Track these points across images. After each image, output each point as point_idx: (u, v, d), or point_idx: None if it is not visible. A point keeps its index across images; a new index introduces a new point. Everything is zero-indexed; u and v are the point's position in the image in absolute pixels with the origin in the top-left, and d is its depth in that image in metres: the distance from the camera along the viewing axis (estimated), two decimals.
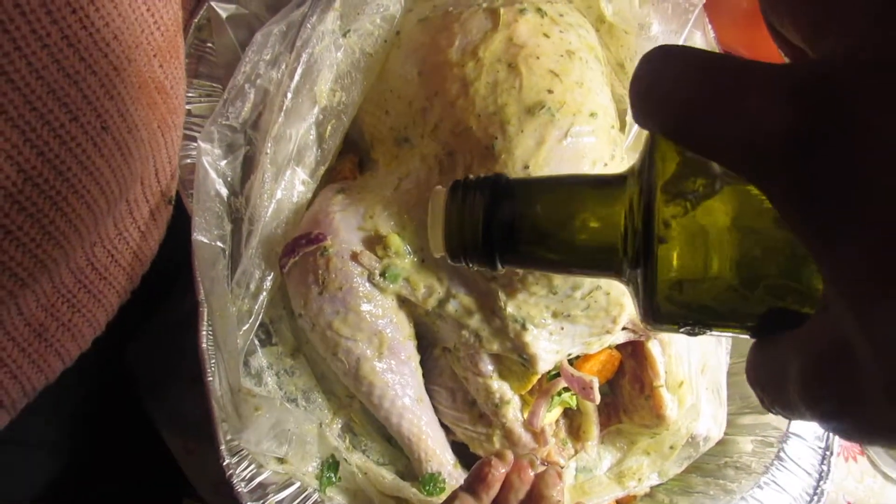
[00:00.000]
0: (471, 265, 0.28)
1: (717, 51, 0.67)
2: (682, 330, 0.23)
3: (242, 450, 0.50)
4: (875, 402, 0.16)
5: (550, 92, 0.49)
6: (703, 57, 0.19)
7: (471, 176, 0.28)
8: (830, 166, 0.16)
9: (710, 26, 0.66)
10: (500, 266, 0.27)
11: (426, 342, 0.57)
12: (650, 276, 0.22)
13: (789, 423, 0.57)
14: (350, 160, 0.60)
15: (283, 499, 0.50)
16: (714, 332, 0.23)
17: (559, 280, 0.49)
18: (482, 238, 0.26)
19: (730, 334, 0.25)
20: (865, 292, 0.16)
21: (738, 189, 0.21)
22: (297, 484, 0.51)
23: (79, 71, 0.36)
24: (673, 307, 0.22)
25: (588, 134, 0.49)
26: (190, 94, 0.59)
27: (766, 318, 0.21)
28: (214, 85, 0.60)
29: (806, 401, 0.18)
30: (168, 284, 0.61)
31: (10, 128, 0.33)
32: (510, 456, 0.50)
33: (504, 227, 0.26)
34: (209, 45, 0.61)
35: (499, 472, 0.48)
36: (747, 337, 0.22)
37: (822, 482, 0.57)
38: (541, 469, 0.50)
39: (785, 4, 0.19)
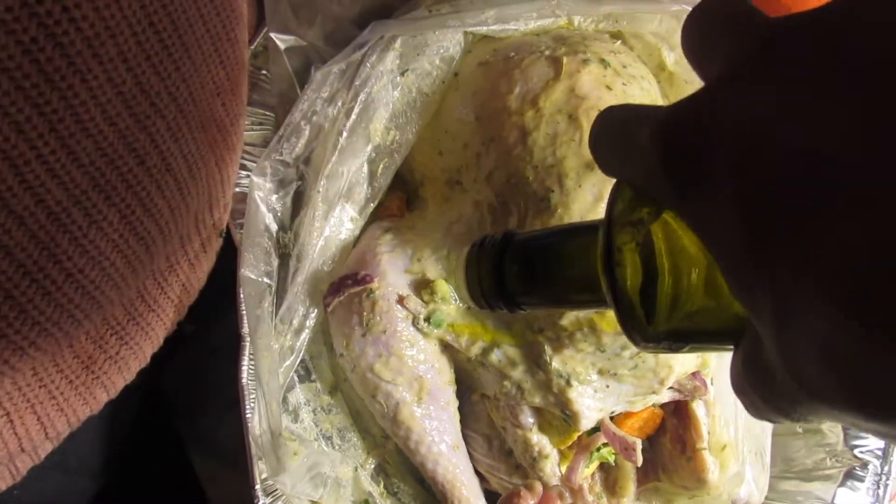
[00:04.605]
0: (493, 310, 0.33)
1: None
2: (661, 346, 0.26)
3: (276, 490, 0.49)
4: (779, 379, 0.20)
5: None
6: (615, 114, 0.24)
7: (486, 236, 0.33)
8: (691, 179, 0.20)
9: None
10: (515, 310, 0.32)
11: (465, 387, 0.56)
12: (615, 299, 0.25)
13: (834, 495, 0.56)
14: (398, 197, 0.59)
15: None
16: (688, 349, 0.26)
17: (608, 339, 0.48)
18: (496, 287, 0.31)
19: (707, 348, 0.30)
20: (737, 258, 0.19)
21: (668, 214, 0.24)
22: None
23: (149, 116, 0.36)
24: (641, 326, 0.25)
25: None
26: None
27: (721, 332, 0.24)
28: (267, 113, 0.60)
29: (744, 397, 0.22)
30: (207, 309, 0.61)
31: (82, 174, 0.33)
32: (539, 487, 0.50)
33: (511, 277, 0.31)
34: (263, 72, 0.61)
35: (527, 503, 0.48)
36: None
37: None
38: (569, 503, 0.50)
39: (687, 52, 0.24)
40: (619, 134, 0.23)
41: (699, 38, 0.23)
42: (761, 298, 0.18)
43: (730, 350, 0.24)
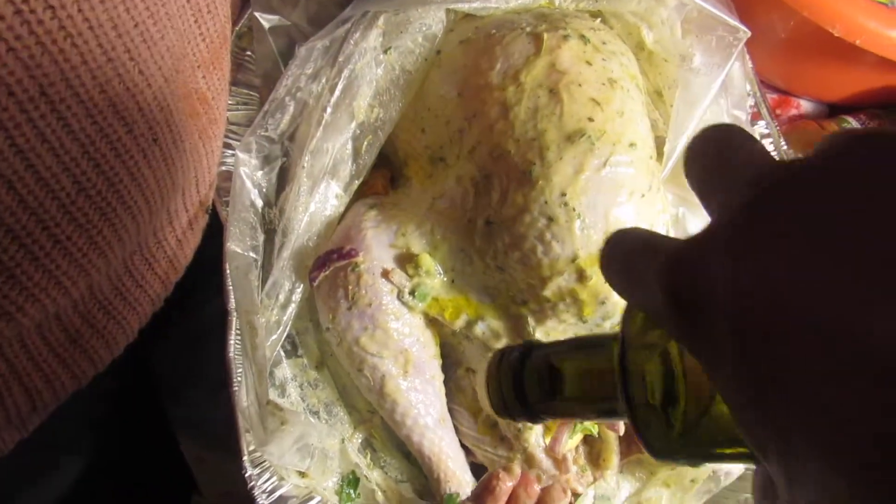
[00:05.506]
0: (516, 420, 0.32)
1: (754, 82, 0.67)
2: (679, 461, 0.26)
3: (264, 461, 0.50)
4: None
5: (591, 120, 0.49)
6: (624, 241, 0.24)
7: (509, 345, 0.33)
8: (695, 324, 0.20)
9: (748, 57, 0.66)
10: (537, 420, 0.32)
11: (450, 361, 0.57)
12: (632, 416, 0.25)
13: None
14: (382, 175, 0.60)
15: None
16: (712, 463, 0.26)
17: (590, 309, 0.49)
18: (517, 399, 0.31)
19: (729, 464, 0.28)
20: (743, 403, 0.19)
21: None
22: (318, 498, 0.51)
23: (137, 84, 0.37)
24: (659, 443, 0.25)
25: (627, 164, 0.49)
26: (228, 102, 0.59)
27: (740, 454, 0.24)
28: (252, 93, 0.61)
29: None
30: (194, 289, 0.62)
31: (72, 141, 0.33)
32: (517, 470, 0.51)
33: (531, 389, 0.31)
34: (248, 53, 0.61)
35: (506, 485, 0.49)
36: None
37: None
38: (547, 484, 0.51)
39: (688, 177, 0.24)
40: (626, 263, 0.23)
41: (698, 169, 0.23)
42: (769, 448, 0.18)
43: (751, 466, 0.25)
